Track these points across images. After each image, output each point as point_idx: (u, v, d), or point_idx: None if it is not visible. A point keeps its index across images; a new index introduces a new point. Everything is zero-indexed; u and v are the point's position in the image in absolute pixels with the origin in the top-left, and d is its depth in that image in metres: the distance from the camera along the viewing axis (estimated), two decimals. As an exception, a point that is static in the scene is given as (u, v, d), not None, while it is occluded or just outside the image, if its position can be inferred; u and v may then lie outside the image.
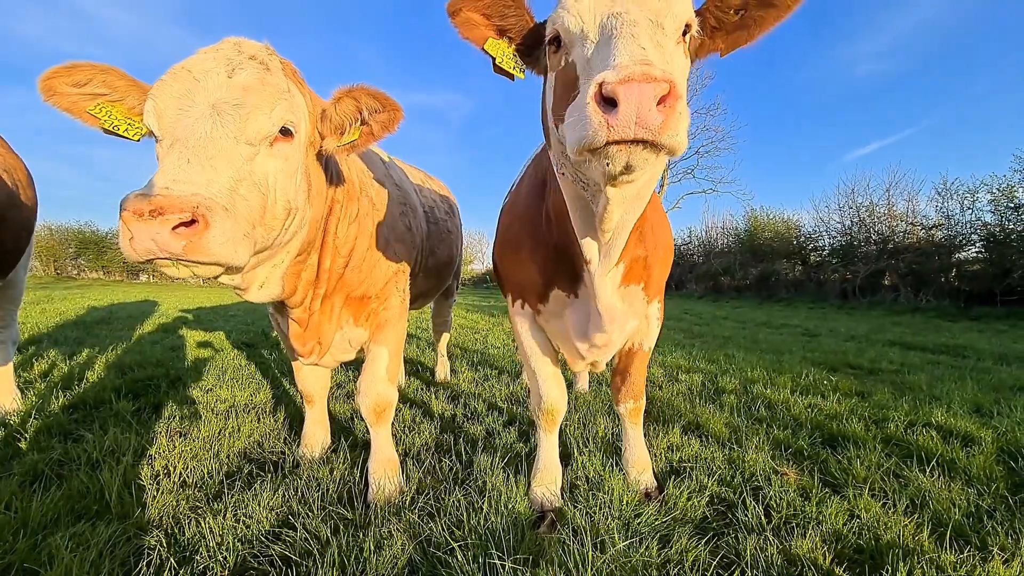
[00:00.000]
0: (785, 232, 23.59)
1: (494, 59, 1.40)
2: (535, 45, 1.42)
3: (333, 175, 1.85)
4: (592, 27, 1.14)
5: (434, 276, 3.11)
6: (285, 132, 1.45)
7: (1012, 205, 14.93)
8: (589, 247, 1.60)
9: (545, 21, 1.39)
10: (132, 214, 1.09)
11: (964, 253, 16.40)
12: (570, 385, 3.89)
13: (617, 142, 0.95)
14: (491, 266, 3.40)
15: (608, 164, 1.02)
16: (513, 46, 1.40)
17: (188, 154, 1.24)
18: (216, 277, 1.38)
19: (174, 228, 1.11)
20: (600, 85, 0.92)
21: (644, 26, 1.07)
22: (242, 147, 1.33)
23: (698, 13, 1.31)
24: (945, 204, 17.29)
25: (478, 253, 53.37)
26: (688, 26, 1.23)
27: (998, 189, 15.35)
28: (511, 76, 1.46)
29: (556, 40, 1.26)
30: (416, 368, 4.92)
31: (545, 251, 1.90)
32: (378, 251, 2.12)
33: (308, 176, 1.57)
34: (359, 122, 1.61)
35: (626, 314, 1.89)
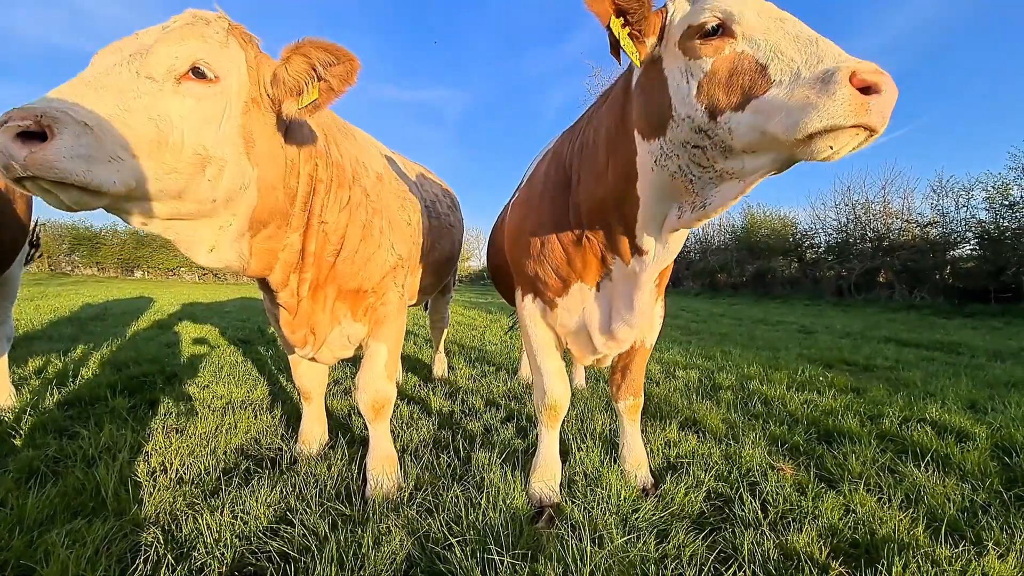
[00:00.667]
0: (781, 229, 23.69)
1: (617, 39, 1.40)
2: (646, 32, 1.42)
3: (306, 147, 1.77)
4: (768, 22, 1.23)
5: (435, 272, 3.10)
6: (199, 74, 1.39)
7: (1007, 202, 15.03)
8: (648, 241, 1.68)
9: (664, 13, 1.43)
10: None
11: (959, 250, 16.51)
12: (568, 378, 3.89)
13: (861, 126, 1.04)
14: (488, 263, 3.40)
15: (832, 146, 1.08)
16: (628, 29, 1.40)
17: (73, 81, 1.23)
18: (116, 211, 1.33)
19: (23, 139, 1.05)
20: (853, 73, 1.01)
21: None
22: (141, 81, 1.30)
23: None
24: (940, 201, 17.42)
25: (475, 250, 53.31)
26: None
27: (993, 186, 15.46)
28: (618, 57, 1.47)
29: (716, 30, 1.28)
30: (414, 364, 4.92)
31: (570, 245, 1.91)
32: (373, 244, 2.10)
33: (247, 133, 1.49)
34: (315, 79, 1.54)
35: (651, 308, 1.94)
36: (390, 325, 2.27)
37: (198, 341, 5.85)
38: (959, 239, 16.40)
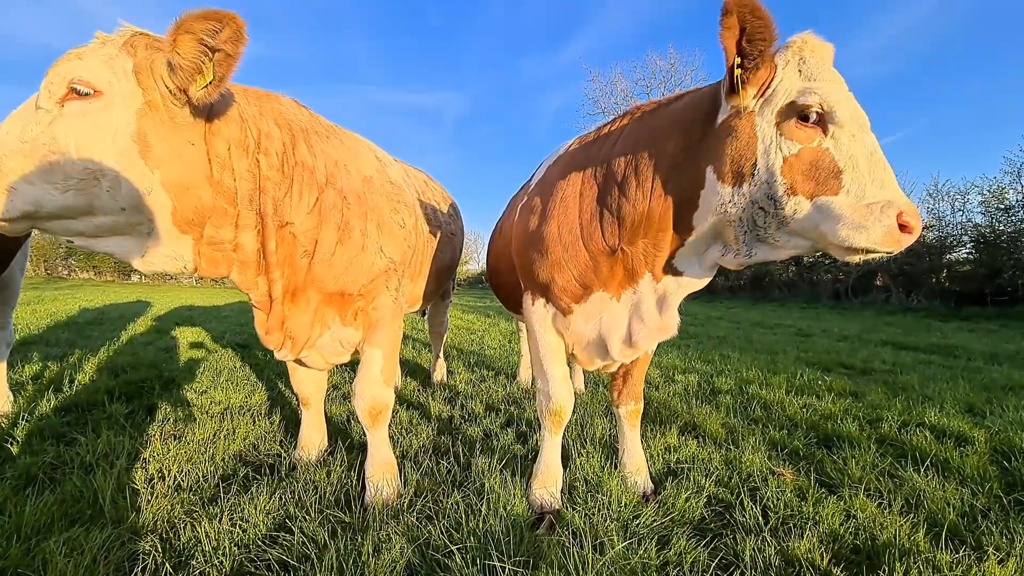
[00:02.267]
0: (779, 233, 23.69)
1: (736, 78, 1.42)
2: (752, 82, 1.44)
3: (237, 141, 1.70)
4: (853, 130, 1.36)
5: (435, 279, 3.09)
6: (78, 92, 1.41)
7: (1003, 206, 15.13)
8: (687, 266, 1.79)
9: (773, 66, 1.45)
10: None
11: (955, 254, 16.60)
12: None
13: (890, 252, 1.30)
14: (486, 266, 3.40)
15: (860, 259, 1.36)
16: (739, 70, 1.43)
17: None
18: (42, 229, 1.50)
19: None
20: (900, 214, 1.26)
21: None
22: (37, 112, 1.40)
23: None
24: (936, 205, 17.53)
25: (473, 254, 53.33)
26: None
27: (989, 190, 15.56)
28: (732, 90, 1.47)
29: (812, 116, 1.38)
30: (413, 369, 4.91)
31: (599, 254, 1.90)
32: (354, 246, 2.06)
33: (141, 137, 1.47)
34: (210, 53, 1.47)
35: (676, 320, 1.99)
36: (384, 329, 2.25)
37: (196, 346, 5.83)
38: (955, 243, 16.49)
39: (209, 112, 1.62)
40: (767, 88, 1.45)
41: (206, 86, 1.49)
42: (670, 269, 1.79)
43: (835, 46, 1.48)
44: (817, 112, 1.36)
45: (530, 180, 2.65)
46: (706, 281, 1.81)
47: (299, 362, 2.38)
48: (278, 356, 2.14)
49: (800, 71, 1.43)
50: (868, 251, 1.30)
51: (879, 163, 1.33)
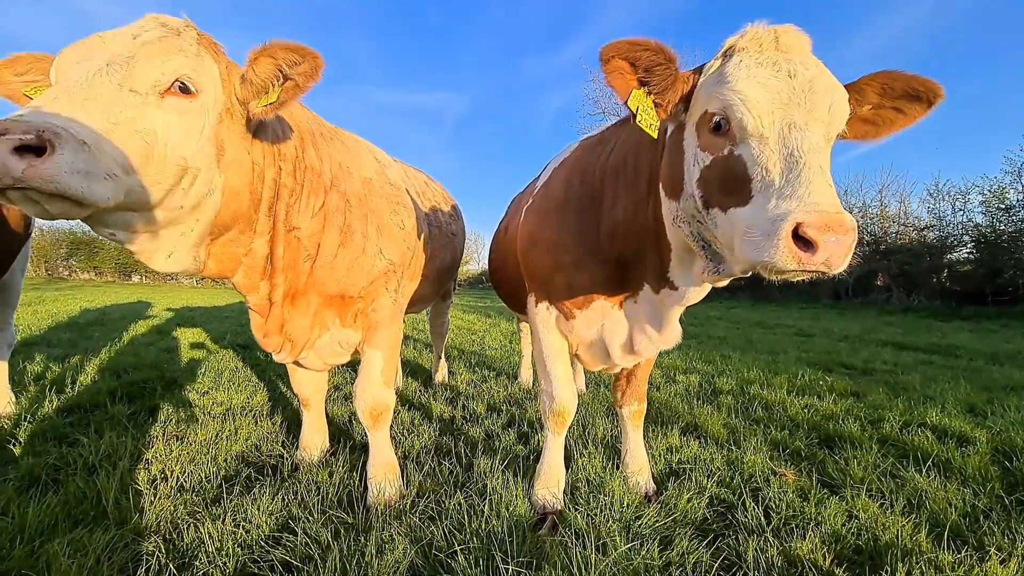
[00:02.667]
0: (779, 233, 23.71)
1: (634, 113, 1.40)
2: (673, 99, 1.41)
3: (270, 151, 1.78)
4: (770, 132, 1.18)
5: (436, 280, 3.09)
6: (184, 89, 1.43)
7: (1003, 206, 15.13)
8: (680, 279, 1.71)
9: (694, 77, 1.40)
10: None
11: (955, 254, 16.60)
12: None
13: (799, 271, 1.06)
14: (488, 266, 3.40)
15: (775, 276, 1.14)
16: (652, 97, 1.40)
17: (58, 92, 1.24)
18: (89, 221, 1.36)
19: (19, 151, 1.06)
20: (798, 225, 1.01)
21: (824, 151, 1.17)
22: (126, 94, 1.32)
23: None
24: (937, 205, 17.55)
25: (474, 254, 53.34)
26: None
27: (989, 190, 15.56)
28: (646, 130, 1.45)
29: (720, 123, 1.27)
30: (414, 370, 4.91)
31: (599, 262, 1.91)
32: (355, 249, 2.07)
33: (219, 141, 1.53)
34: (281, 79, 1.57)
35: (678, 328, 1.97)
36: (384, 331, 2.25)
37: (197, 346, 5.83)
38: (956, 242, 16.50)
39: (258, 125, 1.70)
40: (692, 97, 1.41)
41: (267, 105, 1.57)
42: (666, 282, 1.76)
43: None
44: (721, 117, 1.26)
45: (535, 181, 2.65)
46: (701, 295, 1.76)
47: (297, 363, 2.38)
48: (276, 358, 2.14)
49: (719, 74, 1.31)
50: (774, 270, 1.09)
51: (796, 166, 1.12)
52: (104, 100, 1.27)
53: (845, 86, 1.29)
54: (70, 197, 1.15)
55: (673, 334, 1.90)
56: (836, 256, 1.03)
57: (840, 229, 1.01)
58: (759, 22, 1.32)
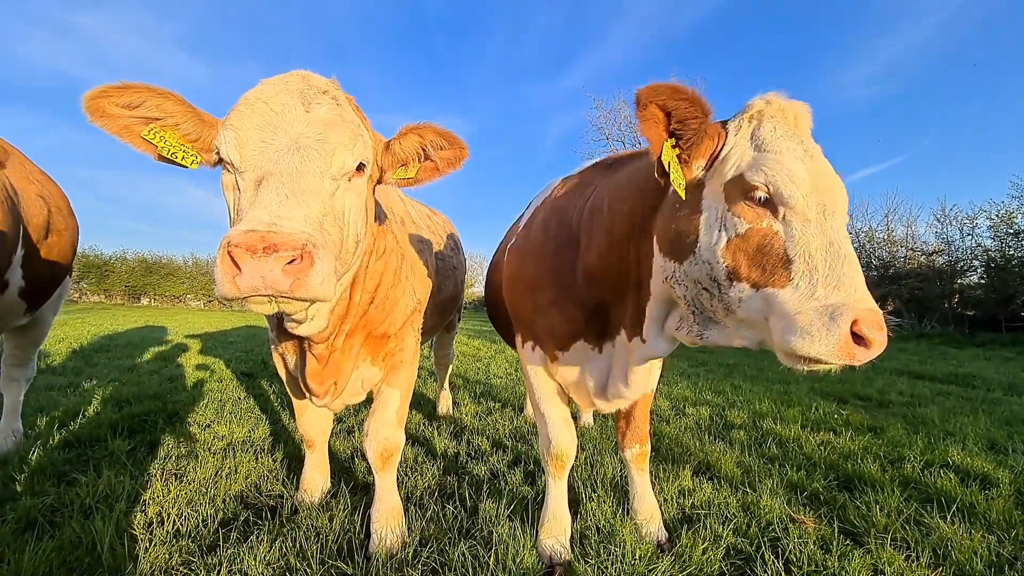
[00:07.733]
0: (785, 257, 23.60)
1: (666, 165, 1.31)
2: (699, 156, 1.35)
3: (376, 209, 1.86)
4: (813, 214, 1.17)
5: (440, 312, 3.07)
6: (360, 169, 1.49)
7: (1012, 231, 15.00)
8: (650, 332, 1.64)
9: (721, 135, 1.33)
10: (245, 251, 1.06)
11: (966, 279, 16.41)
12: (575, 417, 3.80)
13: (841, 364, 1.09)
14: (486, 298, 3.37)
15: (806, 367, 1.15)
16: (677, 151, 1.33)
17: (284, 190, 1.23)
18: (293, 313, 1.41)
19: (285, 265, 1.10)
20: (854, 322, 1.05)
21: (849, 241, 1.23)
22: (327, 182, 1.36)
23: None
24: (944, 230, 17.41)
25: (479, 276, 53.44)
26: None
27: (997, 215, 15.45)
28: (664, 179, 1.37)
29: (758, 196, 1.21)
30: (418, 400, 4.84)
31: (577, 305, 1.88)
32: (400, 289, 2.09)
33: (368, 204, 1.60)
34: (421, 158, 1.63)
35: (647, 379, 1.92)
36: (405, 370, 2.25)
37: (201, 375, 5.80)
38: (966, 267, 16.32)
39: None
40: (716, 158, 1.33)
41: (403, 179, 1.64)
42: (638, 333, 1.68)
43: (810, 107, 1.31)
44: (764, 189, 1.20)
45: (519, 219, 2.65)
46: (669, 350, 1.65)
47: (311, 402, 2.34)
48: (318, 404, 2.10)
49: (752, 139, 1.27)
50: (814, 360, 1.08)
51: (838, 256, 1.11)
52: (315, 192, 1.30)
53: None
54: (319, 300, 1.20)
55: (637, 387, 1.83)
56: (873, 356, 1.05)
57: (883, 329, 1.03)
58: (777, 92, 1.32)
